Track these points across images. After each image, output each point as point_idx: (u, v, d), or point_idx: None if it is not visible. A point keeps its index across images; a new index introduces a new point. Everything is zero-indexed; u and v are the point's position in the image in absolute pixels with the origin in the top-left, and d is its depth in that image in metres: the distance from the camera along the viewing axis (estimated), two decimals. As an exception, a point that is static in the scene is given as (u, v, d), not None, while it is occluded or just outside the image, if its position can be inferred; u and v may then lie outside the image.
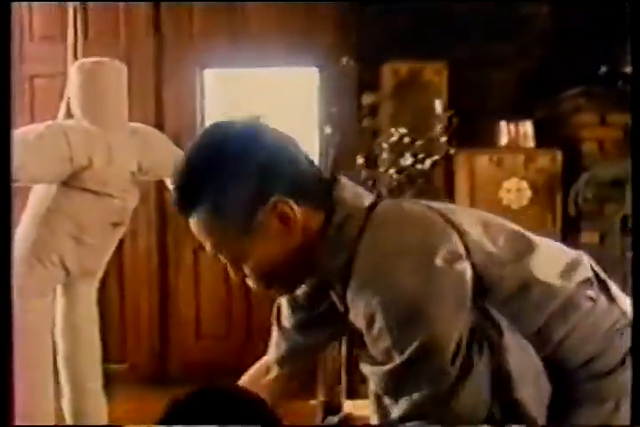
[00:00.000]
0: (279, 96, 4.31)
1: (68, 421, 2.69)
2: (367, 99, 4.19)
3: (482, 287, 1.29)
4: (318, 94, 4.30)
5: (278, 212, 1.30)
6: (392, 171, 3.62)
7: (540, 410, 1.30)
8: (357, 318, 1.30)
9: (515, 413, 1.26)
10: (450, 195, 3.95)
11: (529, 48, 4.15)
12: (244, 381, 1.67)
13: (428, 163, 3.61)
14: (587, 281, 1.41)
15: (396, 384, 1.28)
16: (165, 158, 2.83)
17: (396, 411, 1.28)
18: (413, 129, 3.68)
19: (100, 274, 2.76)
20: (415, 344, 1.21)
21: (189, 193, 1.32)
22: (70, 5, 3.08)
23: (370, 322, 1.26)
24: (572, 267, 1.41)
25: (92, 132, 2.49)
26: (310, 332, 1.61)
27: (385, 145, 3.65)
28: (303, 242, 1.34)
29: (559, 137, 3.87)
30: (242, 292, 4.15)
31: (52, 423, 2.58)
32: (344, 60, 3.78)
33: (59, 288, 2.65)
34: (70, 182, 2.46)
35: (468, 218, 1.39)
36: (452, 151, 3.73)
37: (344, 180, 1.41)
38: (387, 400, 1.35)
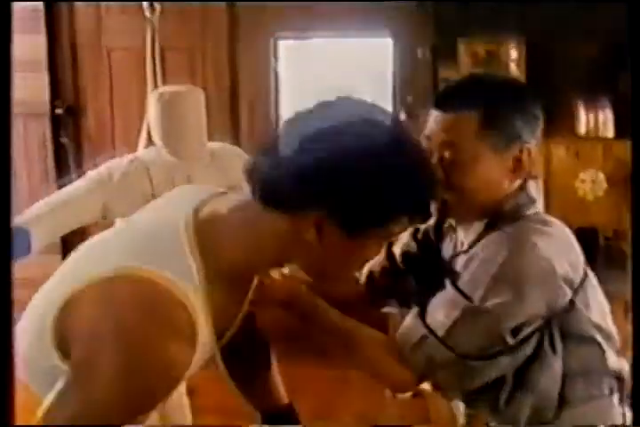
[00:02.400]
0: (352, 71, 4.26)
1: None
2: (444, 73, 4.12)
3: (562, 312, 1.50)
4: (392, 77, 4.24)
5: (521, 154, 1.54)
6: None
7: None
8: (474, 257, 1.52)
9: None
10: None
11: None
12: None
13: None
14: None
15: (459, 323, 1.47)
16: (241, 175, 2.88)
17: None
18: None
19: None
20: (499, 298, 1.43)
21: (470, 95, 1.55)
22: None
23: (483, 263, 1.49)
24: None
25: (172, 165, 2.54)
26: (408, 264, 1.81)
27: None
28: (505, 187, 1.55)
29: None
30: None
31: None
32: (419, 51, 3.70)
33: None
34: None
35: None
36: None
37: None
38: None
